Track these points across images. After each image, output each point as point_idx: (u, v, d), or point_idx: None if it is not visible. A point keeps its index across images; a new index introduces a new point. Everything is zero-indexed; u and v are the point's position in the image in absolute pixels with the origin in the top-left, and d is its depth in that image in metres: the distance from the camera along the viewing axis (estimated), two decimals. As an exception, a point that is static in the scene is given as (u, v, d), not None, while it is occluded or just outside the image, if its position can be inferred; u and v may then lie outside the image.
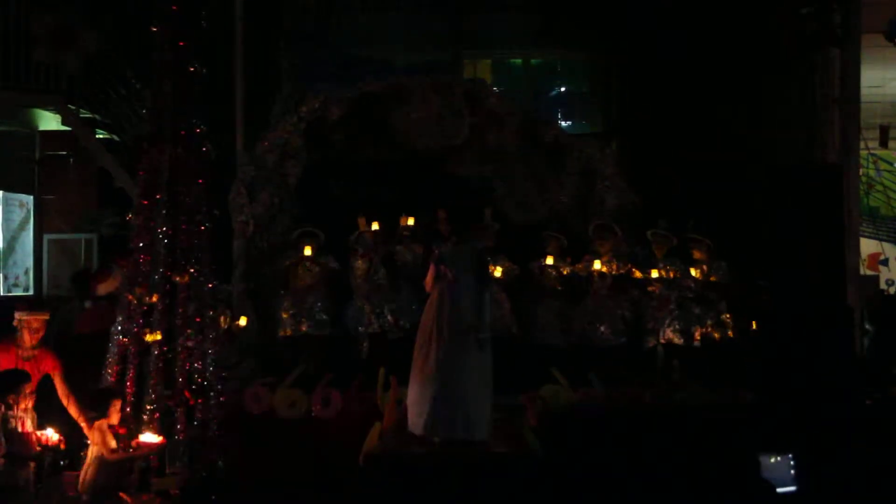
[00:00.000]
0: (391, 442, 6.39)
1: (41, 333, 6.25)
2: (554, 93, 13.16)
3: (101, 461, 5.80)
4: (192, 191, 6.41)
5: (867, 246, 11.76)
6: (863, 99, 9.60)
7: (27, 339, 6.18)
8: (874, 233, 12.73)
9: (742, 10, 10.01)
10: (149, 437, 5.98)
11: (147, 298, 6.37)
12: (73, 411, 6.07)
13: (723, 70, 10.31)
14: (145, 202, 6.41)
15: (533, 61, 13.23)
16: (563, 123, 12.19)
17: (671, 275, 8.37)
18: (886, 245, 12.90)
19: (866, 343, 8.87)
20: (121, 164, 10.41)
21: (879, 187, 12.97)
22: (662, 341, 8.13)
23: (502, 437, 6.42)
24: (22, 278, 11.23)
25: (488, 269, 6.87)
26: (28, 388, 5.85)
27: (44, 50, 10.24)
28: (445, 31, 12.30)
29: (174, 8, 6.43)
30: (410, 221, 8.74)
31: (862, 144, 9.76)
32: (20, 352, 6.17)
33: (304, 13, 11.88)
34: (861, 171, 10.27)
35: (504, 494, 5.87)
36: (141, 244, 6.37)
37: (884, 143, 10.84)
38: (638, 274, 8.53)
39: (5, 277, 11.03)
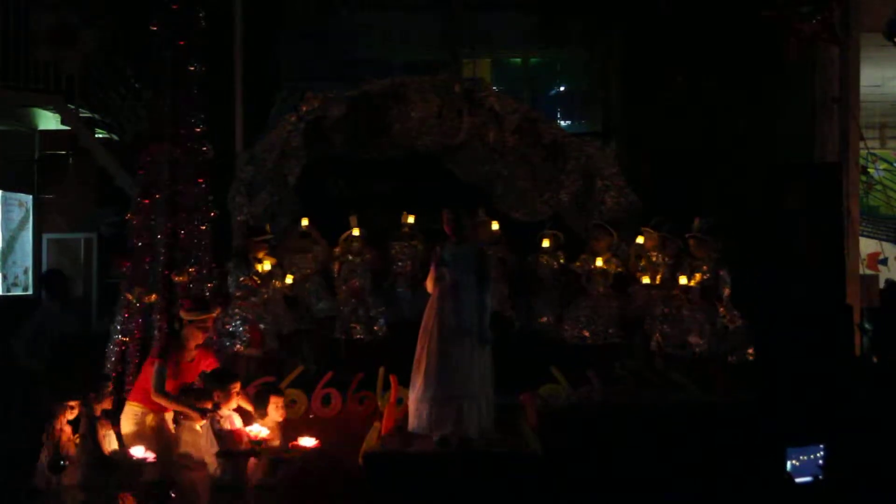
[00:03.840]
0: (391, 442, 6.40)
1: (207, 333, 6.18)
2: (553, 92, 13.15)
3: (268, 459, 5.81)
4: (192, 191, 6.43)
5: (866, 245, 11.74)
6: (862, 98, 9.60)
7: (200, 337, 6.09)
8: (874, 232, 12.71)
9: (742, 10, 9.99)
10: (306, 441, 5.94)
11: (146, 298, 6.38)
12: None
13: (722, 69, 10.29)
14: (145, 202, 6.43)
15: (532, 60, 13.22)
16: (563, 123, 12.17)
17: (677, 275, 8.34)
18: (886, 244, 12.88)
19: (866, 343, 8.86)
20: (121, 164, 10.40)
21: (879, 186, 12.97)
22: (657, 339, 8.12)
23: (502, 437, 6.43)
24: (21, 278, 11.22)
25: (489, 270, 6.86)
26: (235, 388, 5.83)
27: (44, 49, 10.22)
28: (444, 31, 12.29)
29: (174, 8, 6.44)
30: (410, 219, 8.72)
31: (861, 144, 9.75)
32: (185, 353, 6.05)
33: (303, 13, 11.88)
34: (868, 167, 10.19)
35: (504, 494, 5.88)
36: (141, 244, 6.39)
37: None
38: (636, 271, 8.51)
39: (4, 277, 11.01)
